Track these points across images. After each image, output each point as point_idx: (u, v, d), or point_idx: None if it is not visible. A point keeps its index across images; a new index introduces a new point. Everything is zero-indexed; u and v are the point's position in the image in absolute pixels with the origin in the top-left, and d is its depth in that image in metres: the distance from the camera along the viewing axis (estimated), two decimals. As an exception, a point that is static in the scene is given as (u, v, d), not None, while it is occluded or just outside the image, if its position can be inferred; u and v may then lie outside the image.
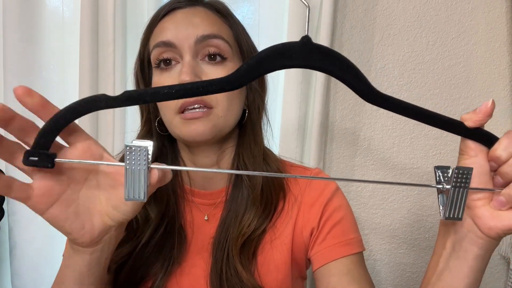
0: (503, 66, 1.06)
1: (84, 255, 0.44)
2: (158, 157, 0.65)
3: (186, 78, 0.54)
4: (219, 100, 0.57)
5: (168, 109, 0.58)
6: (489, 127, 0.41)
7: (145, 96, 0.39)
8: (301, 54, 0.38)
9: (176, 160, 0.66)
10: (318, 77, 0.95)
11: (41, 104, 0.37)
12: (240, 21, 0.65)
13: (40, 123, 0.38)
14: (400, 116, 0.41)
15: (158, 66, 0.59)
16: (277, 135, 1.00)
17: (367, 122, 1.06)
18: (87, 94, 0.92)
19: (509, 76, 1.06)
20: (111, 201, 0.41)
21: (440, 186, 0.42)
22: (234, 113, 0.60)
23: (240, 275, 0.58)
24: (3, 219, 0.95)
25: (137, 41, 0.65)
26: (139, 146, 0.37)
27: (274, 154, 0.68)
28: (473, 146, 0.43)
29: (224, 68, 0.58)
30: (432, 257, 0.50)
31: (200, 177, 0.65)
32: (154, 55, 0.59)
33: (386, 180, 1.08)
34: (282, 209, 0.64)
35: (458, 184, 0.41)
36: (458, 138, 0.43)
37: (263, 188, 0.62)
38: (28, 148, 0.37)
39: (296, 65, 0.39)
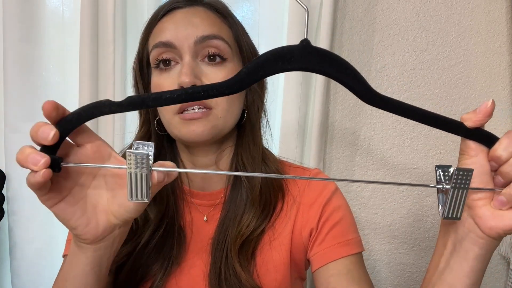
0: (503, 66, 1.06)
1: (88, 252, 0.45)
2: (156, 157, 0.65)
3: (185, 79, 0.54)
4: (218, 101, 0.57)
5: (167, 109, 0.58)
6: (489, 127, 0.41)
7: (147, 101, 0.40)
8: (301, 57, 0.39)
9: (174, 161, 0.66)
10: (318, 78, 0.95)
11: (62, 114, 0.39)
12: (240, 21, 0.64)
13: None
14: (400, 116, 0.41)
15: (157, 66, 0.59)
16: (277, 135, 0.99)
17: (367, 122, 1.06)
18: (87, 94, 0.92)
19: (509, 76, 1.06)
20: (117, 200, 0.43)
21: (440, 186, 0.42)
22: (233, 114, 0.60)
23: (239, 276, 0.58)
24: (3, 219, 0.95)
25: (137, 41, 0.64)
26: (140, 153, 0.38)
27: (273, 154, 0.68)
28: (473, 146, 0.42)
29: (224, 69, 0.58)
30: (433, 256, 0.50)
31: (199, 178, 0.65)
32: (153, 55, 0.59)
33: (386, 180, 1.08)
34: (281, 209, 0.64)
35: (458, 185, 0.41)
36: (458, 138, 0.43)
37: (262, 189, 0.62)
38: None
39: (295, 68, 0.39)
